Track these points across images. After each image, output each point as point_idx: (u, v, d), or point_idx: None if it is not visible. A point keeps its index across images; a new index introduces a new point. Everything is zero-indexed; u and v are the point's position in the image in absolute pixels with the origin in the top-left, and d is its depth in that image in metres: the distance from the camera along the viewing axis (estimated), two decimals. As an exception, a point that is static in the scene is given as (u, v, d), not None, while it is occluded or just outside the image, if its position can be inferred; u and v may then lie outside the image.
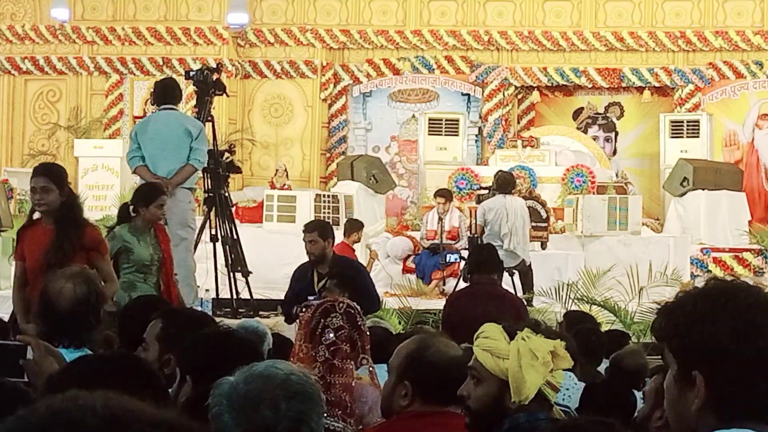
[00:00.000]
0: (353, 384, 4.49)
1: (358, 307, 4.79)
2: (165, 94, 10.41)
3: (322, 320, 4.62)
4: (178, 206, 9.90)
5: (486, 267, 8.35)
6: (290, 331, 8.55)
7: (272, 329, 7.57)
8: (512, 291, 11.90)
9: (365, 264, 13.39)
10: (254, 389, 2.82)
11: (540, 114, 20.79)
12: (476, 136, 20.43)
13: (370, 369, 4.76)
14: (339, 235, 12.62)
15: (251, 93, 20.64)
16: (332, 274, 8.47)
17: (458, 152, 19.06)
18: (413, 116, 20.51)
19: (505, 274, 11.52)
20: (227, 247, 11.44)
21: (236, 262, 11.48)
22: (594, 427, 2.64)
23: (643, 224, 16.96)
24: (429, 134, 19.13)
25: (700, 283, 2.28)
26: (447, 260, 15.02)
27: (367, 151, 20.26)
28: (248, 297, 11.51)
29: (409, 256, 15.97)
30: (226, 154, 11.42)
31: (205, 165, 10.66)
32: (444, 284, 14.97)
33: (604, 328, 9.60)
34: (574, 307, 11.95)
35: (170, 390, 3.74)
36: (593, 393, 5.53)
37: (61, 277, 4.70)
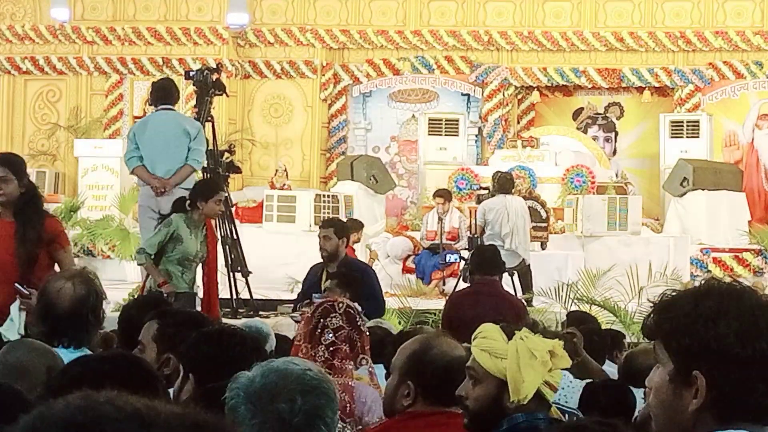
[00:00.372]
0: (352, 384, 4.49)
1: (358, 308, 4.79)
2: (163, 94, 10.43)
3: (322, 320, 4.63)
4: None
5: (488, 268, 8.36)
6: (290, 331, 8.56)
7: (272, 329, 7.57)
8: (512, 292, 11.93)
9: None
10: (271, 383, 2.85)
11: (540, 114, 20.79)
12: (476, 136, 20.43)
13: (370, 369, 4.76)
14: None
15: (251, 93, 20.64)
16: (335, 273, 8.46)
17: (458, 152, 19.06)
18: (413, 116, 20.51)
19: (505, 275, 11.52)
20: (227, 247, 11.44)
21: (236, 262, 11.49)
22: (597, 427, 2.64)
23: (643, 224, 16.96)
24: (429, 134, 19.13)
25: (696, 283, 2.26)
26: (447, 260, 15.03)
27: (367, 151, 20.26)
28: (248, 297, 11.51)
29: (408, 256, 15.98)
30: (226, 154, 11.42)
31: (204, 165, 10.68)
32: (444, 284, 14.98)
33: (604, 328, 9.60)
34: (573, 307, 11.95)
35: (172, 390, 3.74)
36: (593, 392, 5.53)
37: (61, 277, 4.70)
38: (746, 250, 16.77)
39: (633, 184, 18.99)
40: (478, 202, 14.67)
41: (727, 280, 2.24)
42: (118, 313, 5.29)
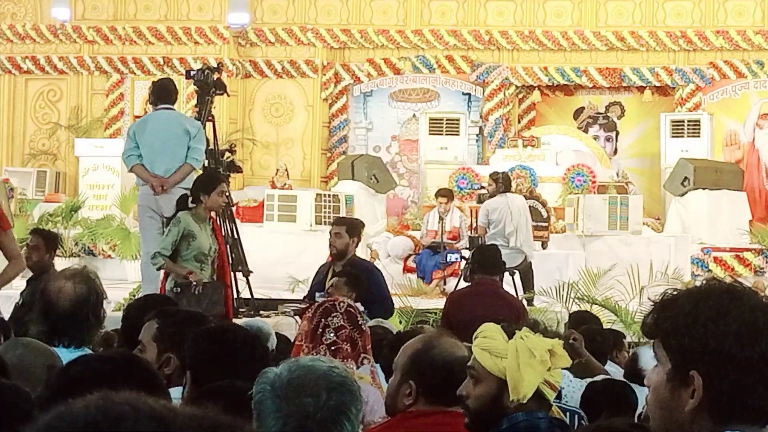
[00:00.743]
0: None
1: (359, 307, 4.79)
2: (163, 93, 10.43)
3: (323, 320, 4.63)
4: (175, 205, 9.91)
5: (489, 267, 8.35)
6: (291, 331, 8.56)
7: (273, 328, 7.57)
8: (513, 291, 11.93)
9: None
10: (297, 377, 2.91)
11: (541, 113, 20.79)
12: (477, 135, 20.42)
13: (372, 368, 4.76)
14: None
15: (252, 92, 20.64)
16: (343, 272, 8.42)
17: (459, 152, 19.06)
18: (414, 116, 20.51)
19: (506, 275, 11.52)
20: (228, 246, 11.43)
21: (237, 262, 11.47)
22: (630, 429, 2.65)
23: (643, 224, 16.95)
24: (430, 134, 19.13)
25: (697, 283, 2.25)
26: (447, 260, 15.02)
27: (367, 151, 20.26)
28: (249, 296, 11.51)
29: (409, 255, 15.98)
30: (227, 154, 11.41)
31: (205, 164, 10.68)
32: (445, 284, 14.98)
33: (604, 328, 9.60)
34: (574, 307, 11.96)
35: (172, 390, 3.74)
36: (595, 391, 5.53)
37: (61, 276, 4.69)
38: (747, 249, 16.77)
39: (634, 183, 18.99)
40: (479, 201, 14.66)
41: (728, 280, 2.22)
42: (118, 313, 5.29)
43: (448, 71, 20.45)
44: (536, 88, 20.41)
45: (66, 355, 4.04)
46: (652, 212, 18.85)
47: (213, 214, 9.13)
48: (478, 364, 3.33)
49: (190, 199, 8.64)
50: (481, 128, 20.41)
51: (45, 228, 11.59)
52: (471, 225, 15.31)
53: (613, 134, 20.57)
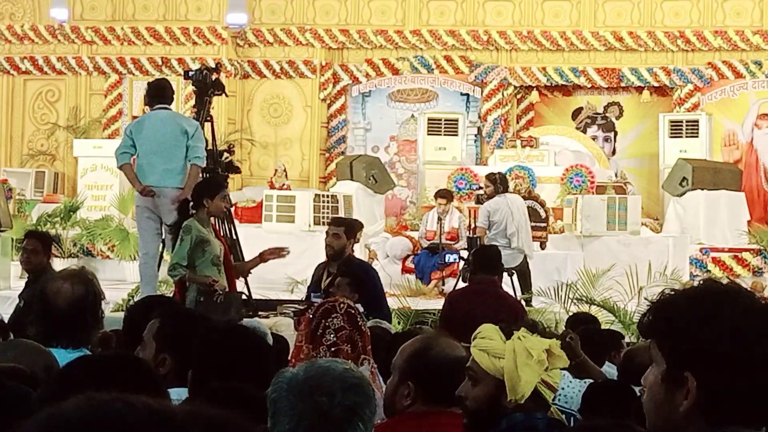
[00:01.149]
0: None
1: (359, 308, 4.79)
2: (159, 93, 10.44)
3: (323, 321, 4.62)
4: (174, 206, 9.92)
5: (489, 268, 8.35)
6: (290, 331, 8.56)
7: (271, 329, 7.57)
8: (512, 292, 11.92)
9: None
10: (313, 377, 2.97)
11: (539, 114, 20.79)
12: (475, 135, 20.42)
13: (372, 369, 4.76)
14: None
15: (250, 93, 20.64)
16: (345, 272, 8.39)
17: (457, 152, 19.07)
18: (412, 116, 20.51)
19: (505, 275, 11.52)
20: (226, 247, 11.43)
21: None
22: (613, 428, 2.64)
23: (642, 224, 16.96)
24: (428, 134, 19.14)
25: (695, 283, 2.24)
26: (446, 260, 15.02)
27: (366, 151, 20.26)
28: (247, 297, 11.50)
29: (408, 256, 15.98)
30: (225, 154, 11.42)
31: (204, 165, 10.68)
32: (443, 284, 14.97)
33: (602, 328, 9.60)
34: (573, 307, 11.96)
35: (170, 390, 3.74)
36: (596, 393, 5.52)
37: (59, 277, 4.69)
38: (745, 249, 16.77)
39: (632, 183, 19.00)
40: (478, 202, 14.66)
41: (726, 280, 2.22)
42: (117, 314, 5.30)
43: (447, 71, 20.45)
44: (534, 89, 20.41)
45: (64, 356, 4.04)
46: (650, 212, 18.86)
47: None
48: (477, 365, 3.34)
49: (191, 204, 8.62)
50: (479, 129, 20.40)
51: (39, 229, 11.60)
52: (469, 226, 15.30)
53: (612, 134, 20.57)
